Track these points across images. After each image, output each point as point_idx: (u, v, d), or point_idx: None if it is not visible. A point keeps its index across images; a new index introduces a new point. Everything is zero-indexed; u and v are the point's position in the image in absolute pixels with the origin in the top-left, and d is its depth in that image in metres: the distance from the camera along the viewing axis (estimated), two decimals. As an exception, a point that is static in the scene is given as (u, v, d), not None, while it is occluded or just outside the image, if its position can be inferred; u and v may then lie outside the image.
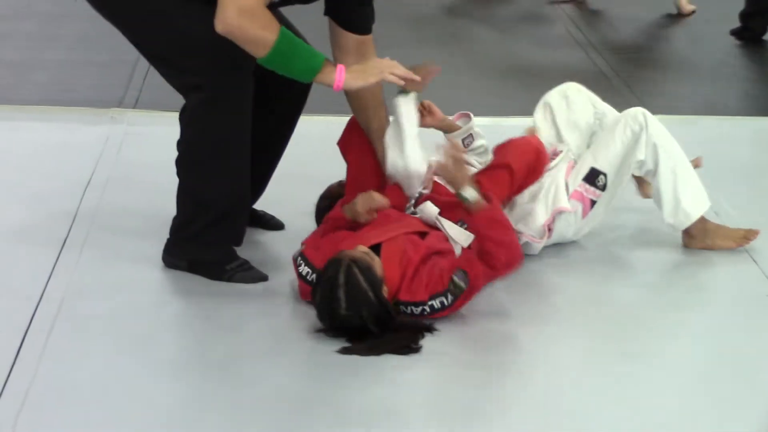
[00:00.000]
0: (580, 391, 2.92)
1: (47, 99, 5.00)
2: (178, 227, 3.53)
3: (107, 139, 4.49)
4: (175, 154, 3.96)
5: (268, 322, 3.25)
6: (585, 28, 6.54)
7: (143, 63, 5.35)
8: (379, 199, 3.29)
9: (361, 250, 3.12)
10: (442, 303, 3.17)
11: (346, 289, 2.99)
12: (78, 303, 3.29)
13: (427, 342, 3.07)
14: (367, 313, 3.02)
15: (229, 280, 3.48)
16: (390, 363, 2.99)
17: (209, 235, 3.49)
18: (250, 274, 3.52)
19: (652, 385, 2.95)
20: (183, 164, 3.54)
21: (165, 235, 3.53)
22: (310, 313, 3.14)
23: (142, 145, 4.49)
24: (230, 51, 3.15)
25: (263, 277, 3.53)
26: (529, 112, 3.91)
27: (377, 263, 3.12)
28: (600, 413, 2.81)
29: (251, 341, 3.13)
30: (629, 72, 5.73)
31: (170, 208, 3.69)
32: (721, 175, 4.17)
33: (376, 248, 3.19)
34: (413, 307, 3.19)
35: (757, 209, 4.05)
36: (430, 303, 3.17)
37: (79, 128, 4.61)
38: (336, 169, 3.71)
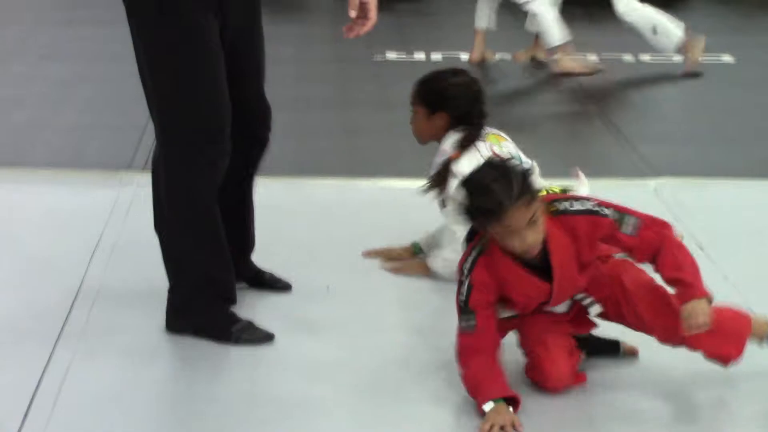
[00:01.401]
0: None
1: (57, 161, 4.99)
2: (169, 293, 3.46)
3: (116, 202, 4.46)
4: None
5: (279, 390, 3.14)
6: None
7: (152, 126, 5.33)
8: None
9: None
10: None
11: None
12: (84, 373, 3.20)
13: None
14: None
15: (236, 342, 3.38)
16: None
17: (199, 298, 3.42)
18: (257, 334, 3.41)
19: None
20: (156, 224, 3.49)
21: None
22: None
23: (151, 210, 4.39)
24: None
25: (269, 337, 3.42)
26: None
27: None
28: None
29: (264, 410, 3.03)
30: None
31: None
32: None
33: None
34: None
35: None
36: None
37: (89, 191, 4.59)
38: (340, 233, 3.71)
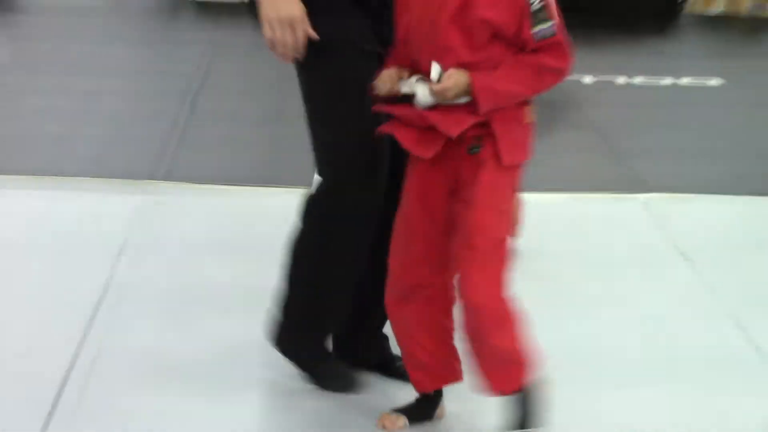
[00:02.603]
0: None
1: (84, 171, 4.98)
2: (278, 307, 3.13)
3: (138, 209, 4.48)
4: (198, 221, 3.95)
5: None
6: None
7: (173, 138, 5.40)
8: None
9: None
10: None
11: None
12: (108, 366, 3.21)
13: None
14: None
15: (320, 385, 3.10)
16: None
17: (303, 331, 3.08)
18: (341, 382, 3.10)
19: None
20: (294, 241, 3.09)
21: (187, 303, 3.53)
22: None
23: (171, 214, 4.47)
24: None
25: (352, 385, 3.09)
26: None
27: None
28: None
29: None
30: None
31: (193, 276, 3.73)
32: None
33: None
34: None
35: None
36: None
37: (113, 198, 4.60)
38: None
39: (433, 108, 2.51)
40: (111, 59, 7.26)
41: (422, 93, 2.50)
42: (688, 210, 4.68)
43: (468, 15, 2.47)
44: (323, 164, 2.89)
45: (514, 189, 2.70)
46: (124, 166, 5.01)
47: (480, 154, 2.54)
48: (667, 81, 7.08)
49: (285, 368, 3.10)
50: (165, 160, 5.13)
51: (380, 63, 2.71)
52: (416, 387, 2.85)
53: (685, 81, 7.12)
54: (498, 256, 2.63)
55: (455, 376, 2.84)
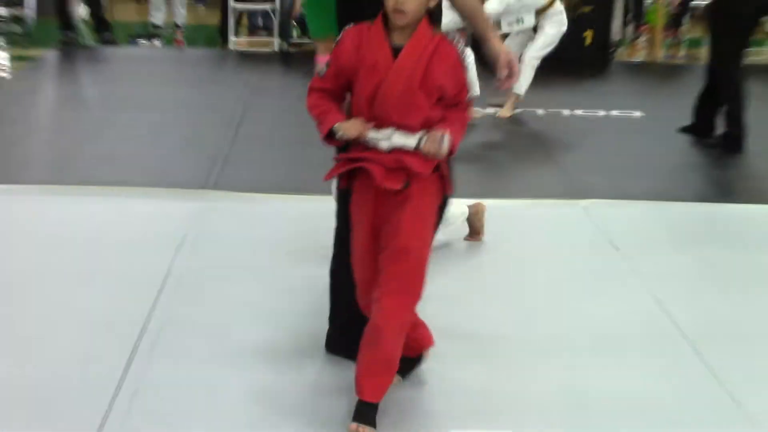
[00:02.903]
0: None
1: (152, 182, 4.97)
2: (329, 320, 3.05)
3: (194, 212, 4.47)
4: (240, 221, 4.04)
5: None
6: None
7: (221, 156, 5.43)
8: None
9: None
10: None
11: None
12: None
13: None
14: None
15: None
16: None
17: (348, 335, 2.83)
18: None
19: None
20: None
21: (233, 285, 3.51)
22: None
23: (219, 216, 4.47)
24: None
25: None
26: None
27: None
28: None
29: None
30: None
31: (236, 264, 3.72)
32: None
33: None
34: None
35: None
36: None
37: (174, 204, 4.59)
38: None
39: (392, 152, 2.49)
40: (173, 97, 7.27)
41: (405, 141, 2.49)
42: (619, 213, 4.68)
43: (428, 82, 2.49)
44: None
45: (433, 214, 2.65)
46: (182, 179, 5.00)
47: (408, 188, 2.52)
48: (601, 113, 7.07)
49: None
50: (214, 174, 5.12)
51: None
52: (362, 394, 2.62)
53: (614, 113, 7.09)
54: (418, 276, 2.57)
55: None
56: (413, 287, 2.58)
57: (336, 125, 2.51)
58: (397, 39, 2.49)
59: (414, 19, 2.46)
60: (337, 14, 2.82)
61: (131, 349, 3.07)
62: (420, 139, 2.48)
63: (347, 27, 2.57)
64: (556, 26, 6.66)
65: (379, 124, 2.50)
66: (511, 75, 2.85)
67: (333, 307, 3.03)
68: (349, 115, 2.57)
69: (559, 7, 6.66)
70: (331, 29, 2.80)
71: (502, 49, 2.85)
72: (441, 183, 2.60)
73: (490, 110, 6.70)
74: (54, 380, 2.86)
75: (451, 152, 2.52)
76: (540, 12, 6.58)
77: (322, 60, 2.78)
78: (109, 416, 2.65)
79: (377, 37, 2.49)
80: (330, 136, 2.54)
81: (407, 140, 2.49)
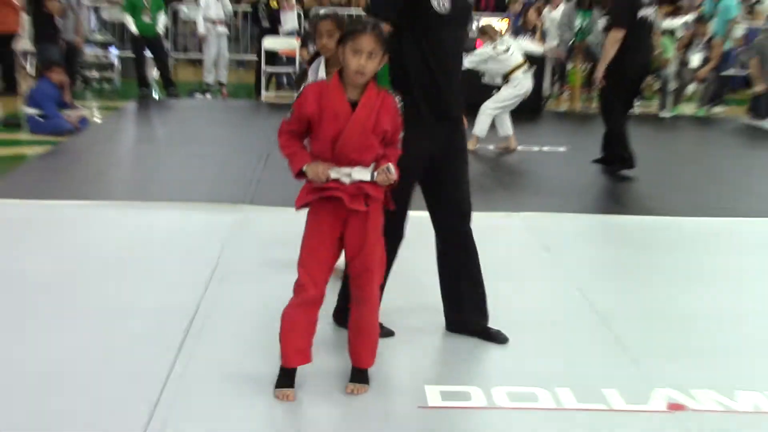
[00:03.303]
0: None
1: (202, 198, 4.90)
2: None
3: (235, 221, 4.41)
4: (270, 228, 3.94)
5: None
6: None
7: (255, 178, 5.42)
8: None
9: None
10: None
11: None
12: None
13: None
14: None
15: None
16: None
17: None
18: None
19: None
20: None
21: (267, 277, 3.42)
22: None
23: (254, 224, 4.40)
24: None
25: (390, 333, 2.86)
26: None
27: None
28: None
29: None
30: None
31: (268, 260, 3.59)
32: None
33: None
34: None
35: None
36: None
37: (219, 215, 4.52)
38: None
39: (355, 183, 2.40)
40: (219, 135, 7.24)
41: (363, 176, 2.40)
42: (549, 222, 4.62)
43: (378, 128, 2.40)
44: None
45: (382, 223, 2.52)
46: (226, 196, 4.93)
47: (369, 207, 2.44)
48: (536, 148, 7.04)
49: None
50: (250, 192, 5.06)
51: None
52: (290, 363, 2.49)
53: (546, 148, 7.06)
54: (380, 269, 2.53)
55: (307, 360, 2.53)
56: (379, 277, 2.53)
57: (305, 167, 2.40)
58: (351, 94, 2.39)
59: (368, 79, 2.39)
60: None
61: (190, 320, 3.01)
62: (372, 173, 2.40)
63: (307, 84, 2.46)
64: (512, 89, 6.64)
65: (339, 161, 2.39)
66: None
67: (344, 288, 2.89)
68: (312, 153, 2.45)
69: (518, 74, 6.61)
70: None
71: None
72: (385, 200, 2.50)
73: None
74: (115, 354, 2.74)
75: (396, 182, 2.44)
76: (506, 76, 6.62)
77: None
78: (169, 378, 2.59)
79: (337, 92, 2.39)
80: (299, 174, 2.44)
81: (364, 175, 2.40)
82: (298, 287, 2.46)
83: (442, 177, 2.82)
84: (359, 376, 2.56)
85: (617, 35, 5.64)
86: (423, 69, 2.68)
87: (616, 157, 6.07)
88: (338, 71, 2.41)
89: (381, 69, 2.44)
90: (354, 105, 2.38)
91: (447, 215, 2.87)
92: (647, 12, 5.77)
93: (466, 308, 2.95)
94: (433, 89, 2.70)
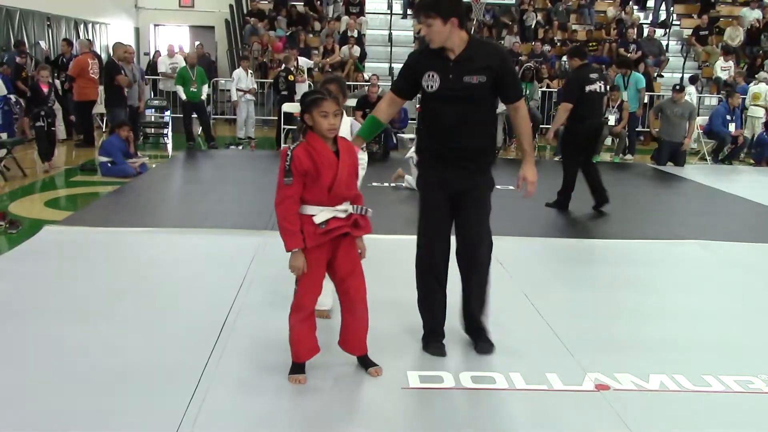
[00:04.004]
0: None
1: (232, 225, 4.88)
2: None
3: (259, 243, 4.37)
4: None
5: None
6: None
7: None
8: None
9: None
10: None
11: None
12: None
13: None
14: None
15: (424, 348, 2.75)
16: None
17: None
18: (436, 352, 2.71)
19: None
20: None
21: (284, 289, 3.19)
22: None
23: (273, 247, 4.20)
24: None
25: (441, 354, 2.71)
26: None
27: None
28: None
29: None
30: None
31: (287, 274, 3.38)
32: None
33: None
34: None
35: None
36: None
37: (246, 238, 4.50)
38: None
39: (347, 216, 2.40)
40: (247, 177, 7.20)
41: (351, 210, 2.40)
42: (504, 245, 4.37)
43: (352, 173, 2.39)
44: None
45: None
46: (251, 224, 4.91)
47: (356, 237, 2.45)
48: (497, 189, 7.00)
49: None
50: (271, 221, 4.92)
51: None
52: (303, 359, 2.49)
53: (500, 187, 6.94)
54: (363, 284, 2.51)
55: (316, 351, 2.52)
56: (364, 285, 2.51)
57: (294, 250, 2.34)
58: (329, 145, 2.36)
59: (337, 131, 2.38)
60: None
61: (221, 325, 2.99)
62: (353, 206, 2.40)
63: (292, 147, 2.35)
64: None
65: (334, 202, 2.36)
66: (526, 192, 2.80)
67: (422, 287, 2.76)
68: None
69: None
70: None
71: (528, 172, 2.87)
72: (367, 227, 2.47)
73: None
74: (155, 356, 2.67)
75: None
76: None
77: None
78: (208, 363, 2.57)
79: (322, 146, 2.34)
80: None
81: (351, 208, 2.40)
82: (301, 307, 2.43)
83: (460, 215, 2.84)
84: (369, 361, 2.59)
85: (566, 107, 5.83)
86: (426, 134, 2.75)
87: (604, 199, 5.97)
88: (310, 132, 2.35)
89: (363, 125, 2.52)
90: (336, 153, 2.36)
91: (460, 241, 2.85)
92: (595, 86, 5.85)
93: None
94: (435, 148, 2.72)
